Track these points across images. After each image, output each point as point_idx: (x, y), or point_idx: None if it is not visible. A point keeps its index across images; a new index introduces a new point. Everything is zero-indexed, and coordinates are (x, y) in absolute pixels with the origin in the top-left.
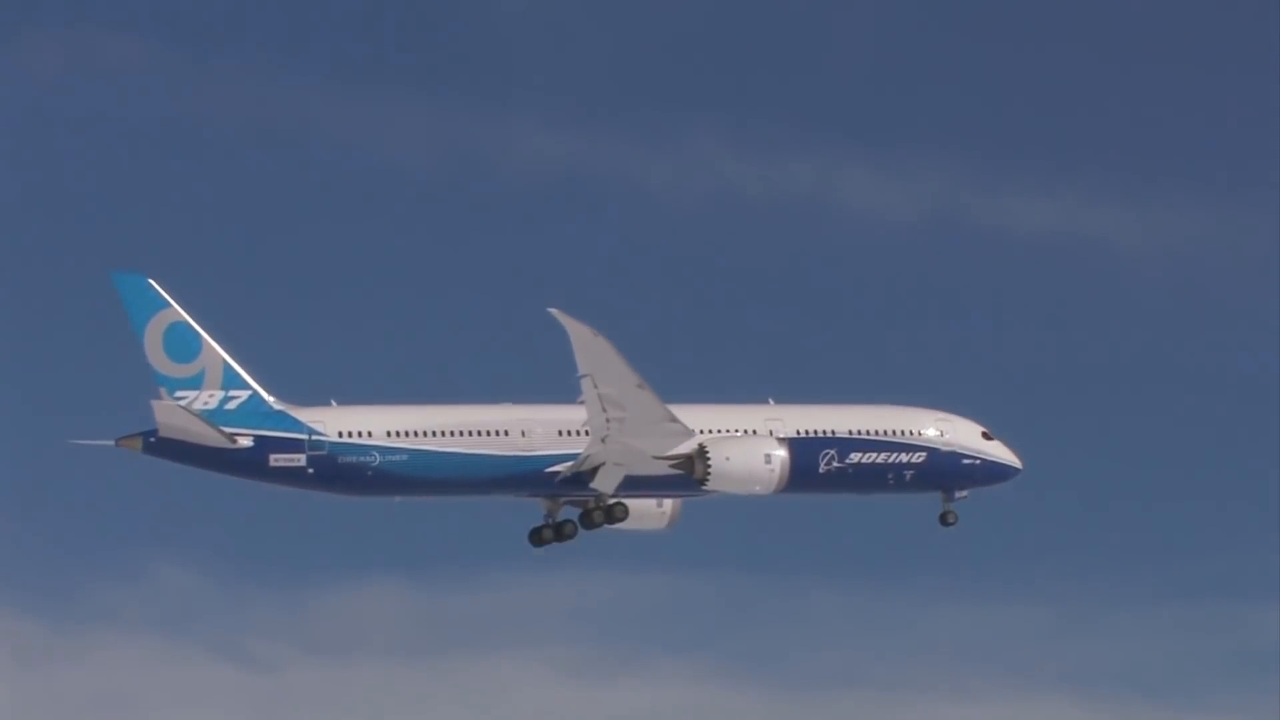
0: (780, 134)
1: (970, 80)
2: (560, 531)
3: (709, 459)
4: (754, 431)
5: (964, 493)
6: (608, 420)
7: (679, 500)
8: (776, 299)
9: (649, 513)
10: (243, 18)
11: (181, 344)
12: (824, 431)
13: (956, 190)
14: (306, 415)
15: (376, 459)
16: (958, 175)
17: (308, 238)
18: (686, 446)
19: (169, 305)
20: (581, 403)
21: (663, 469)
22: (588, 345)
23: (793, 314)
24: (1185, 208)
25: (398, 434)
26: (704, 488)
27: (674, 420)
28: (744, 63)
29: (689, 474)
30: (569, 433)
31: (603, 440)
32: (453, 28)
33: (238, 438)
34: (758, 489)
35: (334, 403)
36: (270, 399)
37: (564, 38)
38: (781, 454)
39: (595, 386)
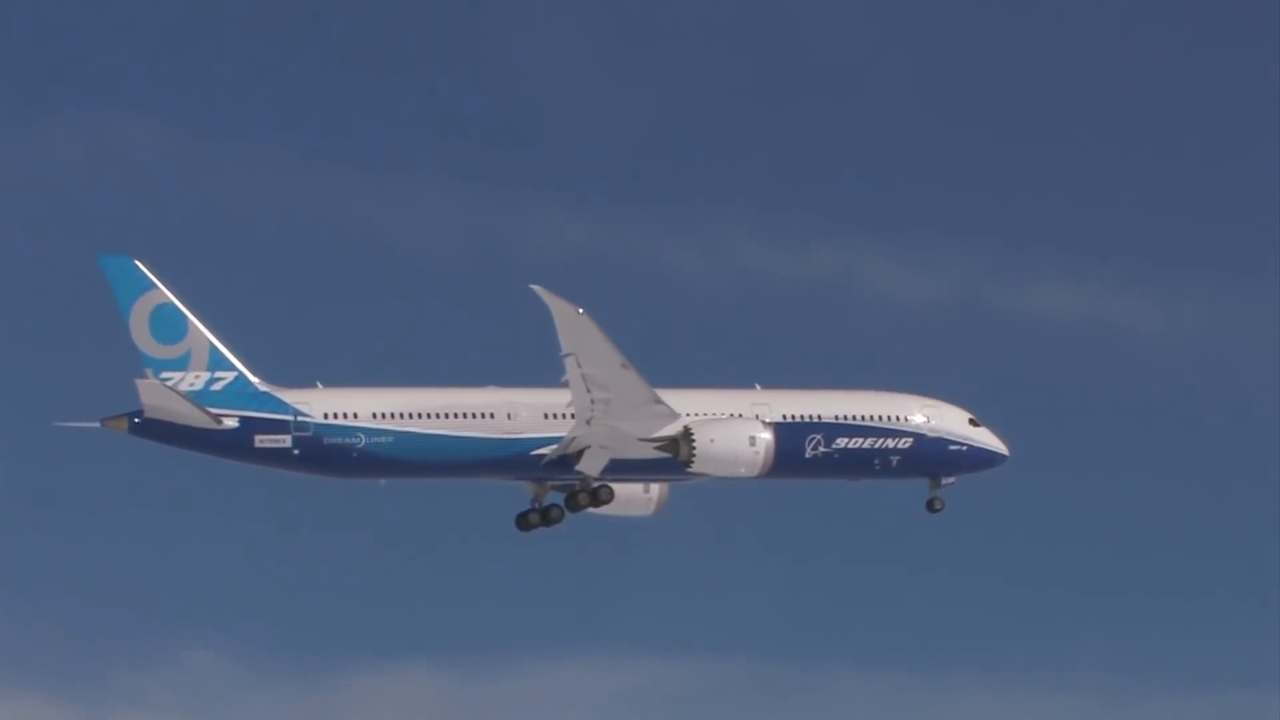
0: (804, 221)
1: (992, 168)
2: (546, 516)
3: (694, 440)
4: (740, 415)
5: (951, 479)
6: (592, 401)
7: (666, 486)
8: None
9: (636, 499)
10: (265, 103)
11: (167, 325)
12: (810, 416)
13: (979, 277)
14: (292, 397)
15: (362, 440)
16: (980, 262)
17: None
18: (672, 428)
19: (155, 287)
20: (566, 383)
21: (648, 451)
22: (571, 323)
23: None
24: (1207, 295)
25: (383, 416)
26: (689, 470)
27: (659, 402)
28: (768, 150)
29: (674, 456)
30: (555, 415)
31: (588, 422)
32: (476, 113)
33: (223, 418)
34: (743, 471)
35: (319, 385)
36: (256, 380)
37: (588, 124)
38: (766, 437)
39: (579, 366)
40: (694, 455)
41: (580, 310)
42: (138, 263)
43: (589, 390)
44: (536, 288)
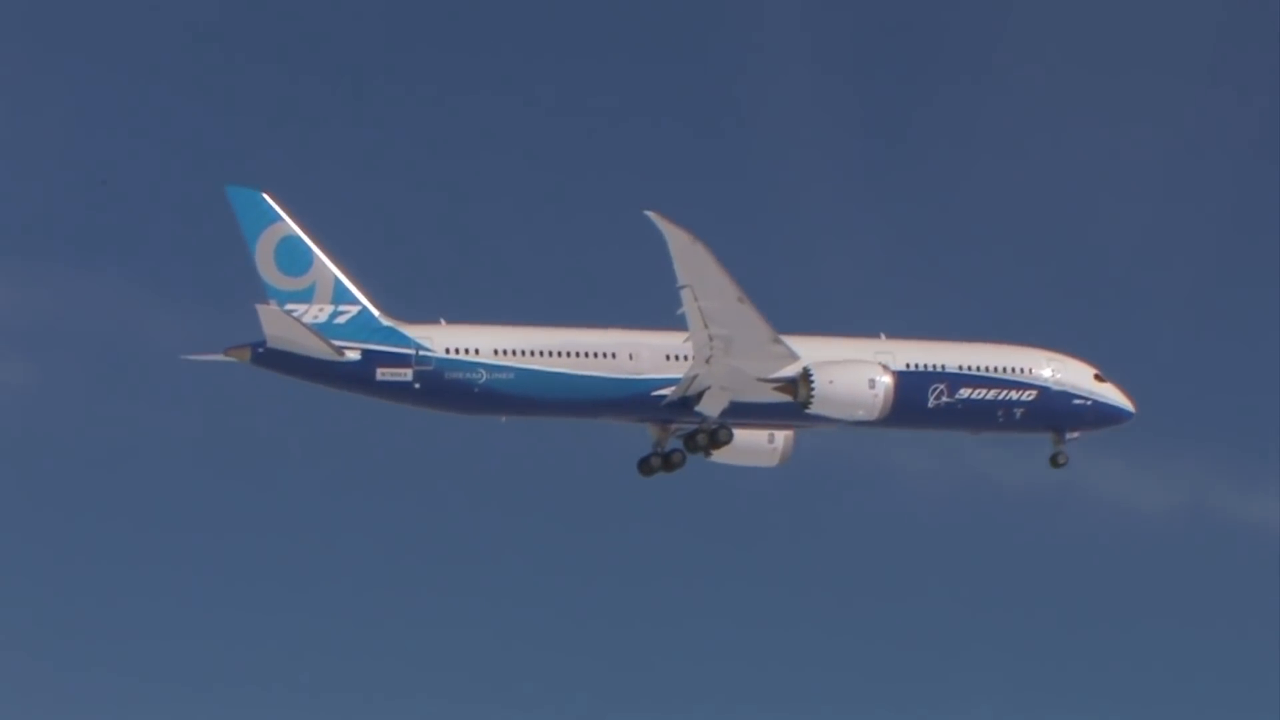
0: None
1: (1231, 373)
2: (668, 461)
3: (813, 381)
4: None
5: (1075, 434)
6: (710, 338)
7: (791, 435)
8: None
9: (760, 449)
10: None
11: (293, 257)
12: (934, 366)
13: (1212, 484)
14: (415, 331)
15: (483, 376)
16: (1214, 468)
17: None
18: (791, 369)
19: (281, 219)
20: (682, 314)
21: (767, 393)
22: (686, 253)
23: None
24: None
25: (505, 353)
26: (807, 411)
27: (779, 341)
28: None
29: (793, 398)
30: (677, 357)
31: (707, 361)
32: None
33: (345, 350)
34: (861, 414)
35: (443, 321)
36: (379, 314)
37: None
38: (886, 380)
39: (695, 300)
40: (812, 396)
41: (695, 238)
42: (265, 195)
43: (706, 326)
44: (651, 213)
